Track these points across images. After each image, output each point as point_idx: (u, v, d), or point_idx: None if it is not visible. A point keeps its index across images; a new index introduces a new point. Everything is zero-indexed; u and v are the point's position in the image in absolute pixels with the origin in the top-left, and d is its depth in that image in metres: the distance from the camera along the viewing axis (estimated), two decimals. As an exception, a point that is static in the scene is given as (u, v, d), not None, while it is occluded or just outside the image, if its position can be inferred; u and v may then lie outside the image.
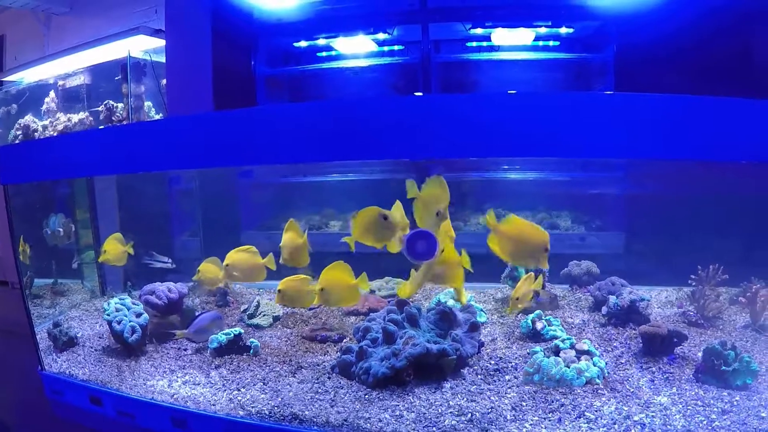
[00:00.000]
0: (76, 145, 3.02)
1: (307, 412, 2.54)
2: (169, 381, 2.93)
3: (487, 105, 2.23)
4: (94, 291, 4.32)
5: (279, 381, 2.87)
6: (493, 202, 5.48)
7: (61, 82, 6.79)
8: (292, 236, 3.27)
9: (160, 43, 5.92)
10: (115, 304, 3.30)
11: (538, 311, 3.36)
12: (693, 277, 3.69)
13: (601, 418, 2.43)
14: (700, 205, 4.56)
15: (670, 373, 2.86)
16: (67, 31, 6.91)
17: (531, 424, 2.40)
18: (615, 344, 3.22)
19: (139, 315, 3.26)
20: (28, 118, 6.90)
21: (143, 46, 6.18)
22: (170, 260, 4.26)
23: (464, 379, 2.80)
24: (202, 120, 2.65)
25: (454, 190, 2.59)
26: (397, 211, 2.62)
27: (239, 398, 2.71)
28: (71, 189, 4.59)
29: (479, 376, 2.84)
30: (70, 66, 6.66)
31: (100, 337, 3.52)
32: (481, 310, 3.67)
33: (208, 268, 3.57)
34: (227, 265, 3.32)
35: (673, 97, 2.14)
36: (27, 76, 7.08)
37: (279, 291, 3.23)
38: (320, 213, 5.75)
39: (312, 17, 5.82)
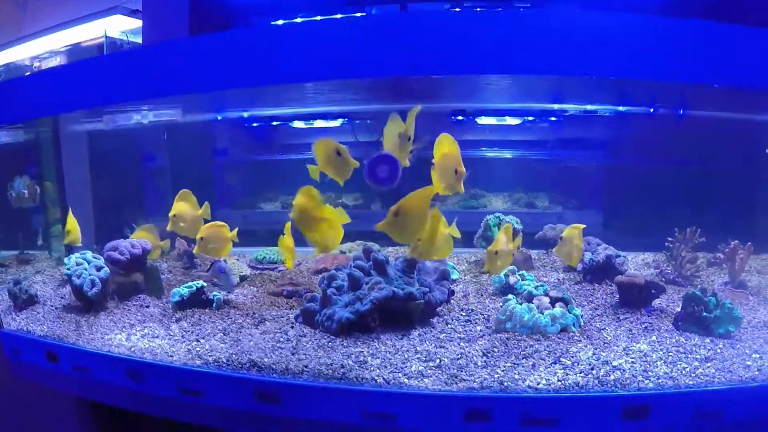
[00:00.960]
0: (44, 83, 2.86)
1: (266, 360, 2.32)
2: (127, 335, 2.69)
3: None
4: (60, 258, 4.06)
5: (240, 332, 2.65)
6: (470, 183, 5.35)
7: (37, 64, 6.51)
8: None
9: (138, 23, 5.69)
10: (76, 258, 3.06)
11: (511, 267, 3.16)
12: (670, 239, 3.51)
13: (578, 364, 2.23)
14: (676, 180, 4.43)
15: (649, 323, 2.67)
16: (44, 12, 6.64)
17: (503, 370, 2.20)
18: (591, 299, 3.03)
19: (99, 269, 3.02)
20: (5, 100, 6.62)
21: (121, 27, 5.93)
22: None
23: (433, 328, 2.60)
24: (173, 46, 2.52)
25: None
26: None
27: (197, 349, 2.49)
28: (39, 168, 4.39)
29: (449, 325, 2.64)
30: (47, 47, 6.40)
31: (62, 298, 3.28)
32: (454, 267, 3.46)
33: (141, 236, 3.34)
34: (173, 216, 3.05)
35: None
36: (3, 58, 6.81)
37: (200, 239, 2.96)
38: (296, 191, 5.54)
39: (290, -5, 5.61)
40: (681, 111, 4.72)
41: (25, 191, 3.92)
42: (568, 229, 2.80)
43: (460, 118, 5.18)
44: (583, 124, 5.01)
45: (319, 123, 5.34)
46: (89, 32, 6.06)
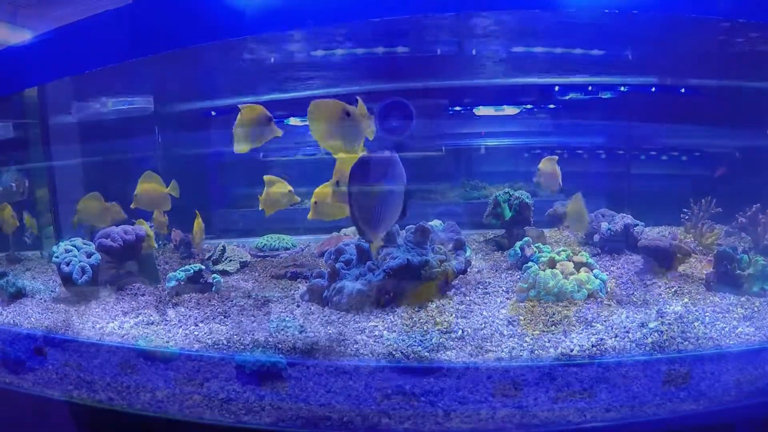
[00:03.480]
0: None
1: (271, 339, 2.03)
2: (120, 323, 2.40)
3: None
4: (51, 254, 3.77)
5: (242, 314, 2.36)
6: (470, 174, 5.10)
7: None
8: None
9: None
10: (65, 245, 2.77)
11: (526, 238, 2.87)
12: (685, 210, 3.24)
13: (613, 328, 1.96)
14: (678, 157, 4.20)
15: (678, 287, 2.40)
16: (33, 23, 6.38)
17: (532, 338, 1.92)
18: (612, 269, 2.75)
19: (90, 255, 2.72)
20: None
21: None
22: None
23: (451, 300, 2.31)
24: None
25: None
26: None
27: (196, 333, 2.19)
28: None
29: (467, 297, 2.35)
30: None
31: (52, 291, 2.98)
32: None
33: (89, 205, 3.10)
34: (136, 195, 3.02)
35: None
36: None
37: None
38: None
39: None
40: (682, 90, 4.50)
41: (13, 184, 3.61)
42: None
43: (457, 108, 4.93)
44: (583, 109, 4.77)
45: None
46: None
